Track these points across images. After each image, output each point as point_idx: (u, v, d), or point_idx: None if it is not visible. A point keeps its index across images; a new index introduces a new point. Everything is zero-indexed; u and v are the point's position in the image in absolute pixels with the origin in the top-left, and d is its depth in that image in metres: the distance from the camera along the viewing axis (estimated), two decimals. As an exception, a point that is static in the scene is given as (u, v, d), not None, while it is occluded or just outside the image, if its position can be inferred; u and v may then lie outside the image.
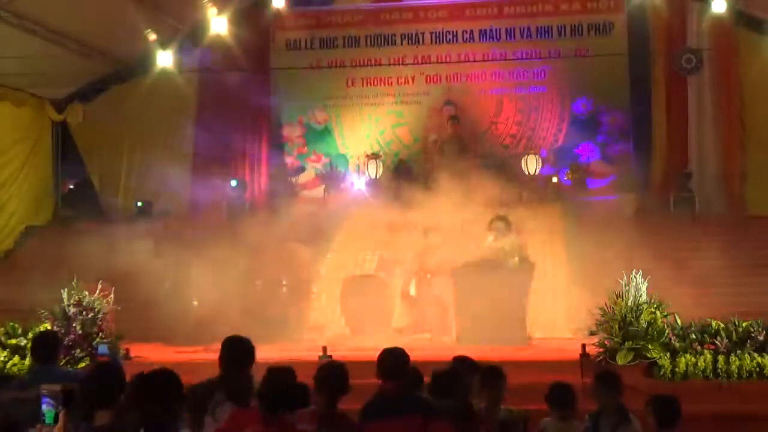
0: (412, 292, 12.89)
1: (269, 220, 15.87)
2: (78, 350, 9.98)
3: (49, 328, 10.08)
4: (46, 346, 5.73)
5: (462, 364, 5.86)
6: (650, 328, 9.10)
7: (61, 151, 18.10)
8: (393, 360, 5.45)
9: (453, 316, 11.72)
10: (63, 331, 9.95)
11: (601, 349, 9.22)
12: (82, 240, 13.58)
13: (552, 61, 18.06)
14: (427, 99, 18.50)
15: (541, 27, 18.14)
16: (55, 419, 3.75)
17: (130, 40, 16.32)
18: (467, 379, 5.55)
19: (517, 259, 10.78)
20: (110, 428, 3.85)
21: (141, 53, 16.89)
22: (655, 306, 9.26)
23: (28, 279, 13.13)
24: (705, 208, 15.89)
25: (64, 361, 9.23)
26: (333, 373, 5.21)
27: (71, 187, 18.30)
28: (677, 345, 9.00)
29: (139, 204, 17.40)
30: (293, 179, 18.54)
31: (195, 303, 13.09)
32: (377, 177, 16.82)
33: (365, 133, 18.58)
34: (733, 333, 9.05)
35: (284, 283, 12.91)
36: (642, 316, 9.15)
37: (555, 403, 5.69)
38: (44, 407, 3.90)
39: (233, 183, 17.62)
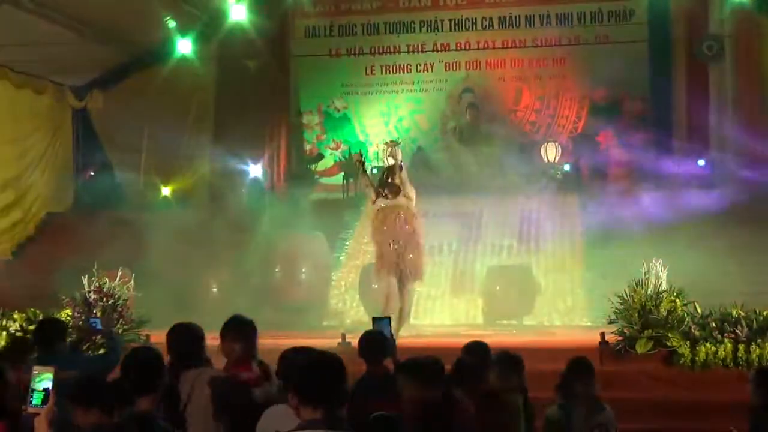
0: None
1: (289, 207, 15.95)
2: (99, 336, 10.02)
3: (69, 313, 10.14)
4: (51, 332, 5.62)
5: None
6: (670, 317, 9.05)
7: (81, 138, 18.17)
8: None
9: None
10: (83, 317, 10.00)
11: (621, 338, 9.19)
12: (102, 226, 13.70)
13: (572, 48, 17.97)
14: (445, 86, 18.46)
15: (560, 14, 18.04)
16: (44, 400, 3.41)
17: (150, 28, 16.35)
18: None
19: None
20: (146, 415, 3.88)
21: (160, 40, 16.92)
22: (674, 294, 9.21)
23: (49, 265, 13.24)
24: (725, 195, 15.75)
25: (85, 347, 9.25)
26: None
27: (91, 173, 18.38)
28: (697, 333, 8.95)
29: (164, 190, 17.47)
30: (312, 167, 18.56)
31: (214, 289, 13.18)
32: (396, 164, 16.73)
33: (384, 120, 18.57)
34: (754, 322, 8.98)
35: (303, 270, 12.93)
36: (662, 304, 9.10)
37: (568, 385, 5.49)
38: (38, 389, 3.52)
39: (252, 170, 17.65)
